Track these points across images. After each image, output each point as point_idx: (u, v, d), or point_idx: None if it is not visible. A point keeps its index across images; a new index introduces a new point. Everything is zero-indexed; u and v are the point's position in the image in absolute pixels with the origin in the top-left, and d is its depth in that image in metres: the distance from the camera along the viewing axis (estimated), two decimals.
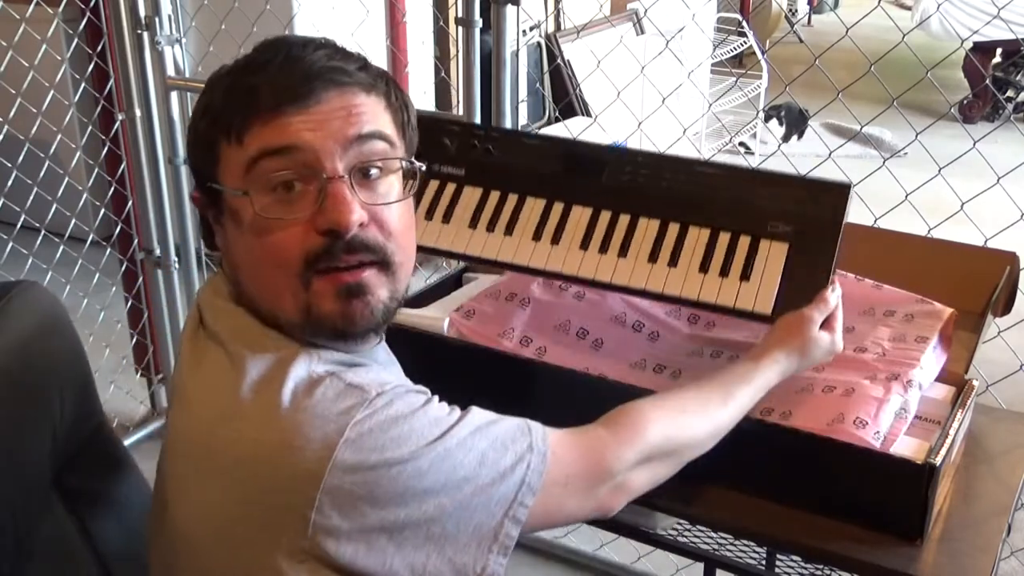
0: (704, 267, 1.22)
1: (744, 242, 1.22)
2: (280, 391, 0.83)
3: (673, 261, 1.23)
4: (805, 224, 1.20)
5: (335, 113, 0.86)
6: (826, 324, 1.15)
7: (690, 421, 1.03)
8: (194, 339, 0.94)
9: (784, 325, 1.15)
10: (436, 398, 0.89)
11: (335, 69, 0.87)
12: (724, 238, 1.23)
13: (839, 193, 1.20)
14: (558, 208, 1.29)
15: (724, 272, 1.21)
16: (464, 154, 1.35)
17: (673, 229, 1.25)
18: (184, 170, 2.41)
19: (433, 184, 1.35)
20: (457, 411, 0.89)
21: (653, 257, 1.24)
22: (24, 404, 1.02)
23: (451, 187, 1.35)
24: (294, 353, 0.86)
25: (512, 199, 1.32)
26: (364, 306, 0.88)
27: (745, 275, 1.20)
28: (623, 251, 1.25)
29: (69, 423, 1.07)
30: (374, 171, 0.89)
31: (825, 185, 1.21)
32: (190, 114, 0.95)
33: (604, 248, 1.26)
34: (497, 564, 0.86)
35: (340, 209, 0.85)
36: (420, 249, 1.33)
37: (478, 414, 0.89)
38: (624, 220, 1.27)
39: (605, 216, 1.28)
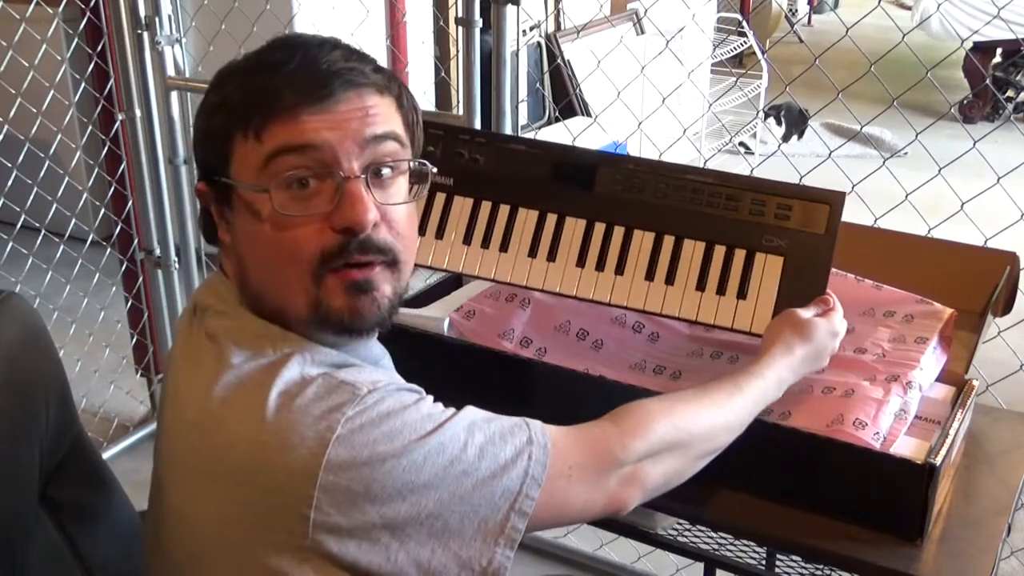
0: (701, 285, 1.22)
1: (739, 256, 1.22)
2: (270, 392, 0.83)
3: (670, 279, 1.23)
4: (799, 236, 1.19)
5: (352, 113, 0.88)
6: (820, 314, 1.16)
7: (695, 410, 1.02)
8: (189, 339, 0.93)
9: (772, 324, 1.16)
10: (430, 397, 0.89)
11: (352, 70, 0.88)
12: (719, 252, 1.23)
13: (833, 203, 1.19)
14: (551, 220, 1.29)
15: (721, 290, 1.21)
16: (451, 161, 1.32)
17: (668, 243, 1.24)
18: (184, 170, 2.41)
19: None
20: (451, 409, 0.89)
21: (650, 275, 1.24)
22: (15, 418, 1.01)
23: (441, 197, 1.33)
24: (288, 356, 0.86)
25: (504, 210, 1.31)
26: (371, 302, 0.90)
27: (742, 293, 1.21)
28: (620, 268, 1.25)
29: (53, 436, 1.06)
30: (386, 171, 0.90)
31: (819, 194, 1.20)
32: (192, 112, 0.95)
33: (601, 265, 1.26)
34: (503, 556, 0.86)
35: (357, 208, 0.87)
36: (415, 267, 1.34)
37: (472, 411, 0.89)
38: (619, 233, 1.26)
39: (600, 229, 1.27)
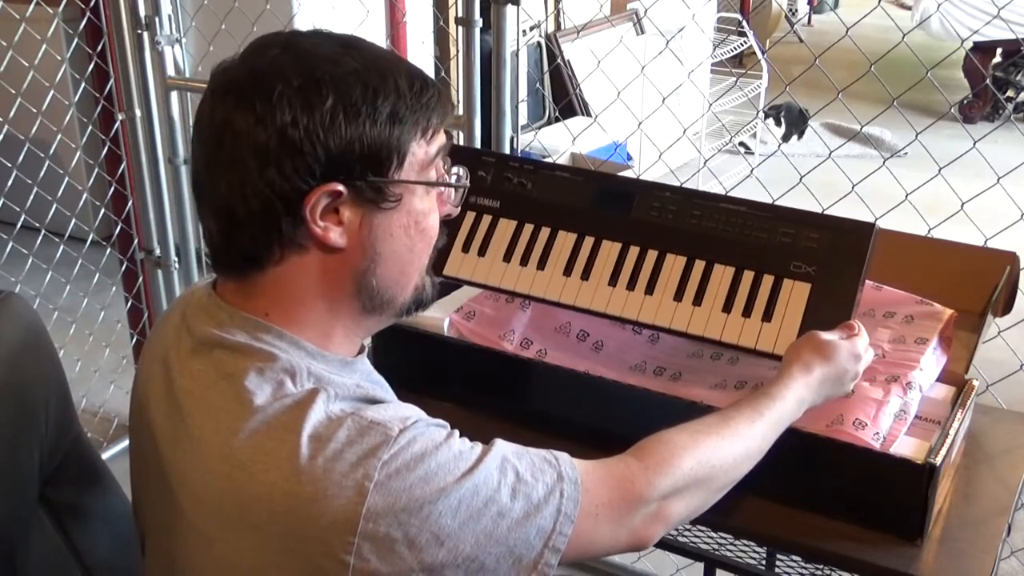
0: (727, 307, 1.23)
1: (767, 281, 1.23)
2: (300, 436, 0.82)
3: (697, 300, 1.25)
4: (828, 265, 1.20)
5: None
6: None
7: (718, 442, 1.01)
8: (192, 373, 0.91)
9: (793, 344, 1.15)
10: (456, 432, 0.89)
11: None
12: (748, 276, 1.24)
13: (862, 234, 1.20)
14: (588, 242, 1.32)
15: (747, 312, 1.22)
16: (499, 186, 1.38)
17: (699, 266, 1.26)
18: (184, 170, 2.41)
19: (470, 215, 1.37)
20: (480, 445, 0.89)
21: (678, 295, 1.26)
22: (15, 419, 1.01)
23: (487, 219, 1.37)
24: (313, 394, 0.85)
25: (545, 232, 1.34)
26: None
27: (767, 316, 1.21)
28: (650, 288, 1.27)
29: (52, 436, 1.05)
30: None
31: (850, 225, 1.21)
32: (192, 112, 0.94)
33: (631, 285, 1.28)
34: None
35: (459, 204, 0.99)
36: (456, 281, 1.37)
37: (502, 446, 0.89)
38: (652, 256, 1.29)
39: (633, 252, 1.30)
